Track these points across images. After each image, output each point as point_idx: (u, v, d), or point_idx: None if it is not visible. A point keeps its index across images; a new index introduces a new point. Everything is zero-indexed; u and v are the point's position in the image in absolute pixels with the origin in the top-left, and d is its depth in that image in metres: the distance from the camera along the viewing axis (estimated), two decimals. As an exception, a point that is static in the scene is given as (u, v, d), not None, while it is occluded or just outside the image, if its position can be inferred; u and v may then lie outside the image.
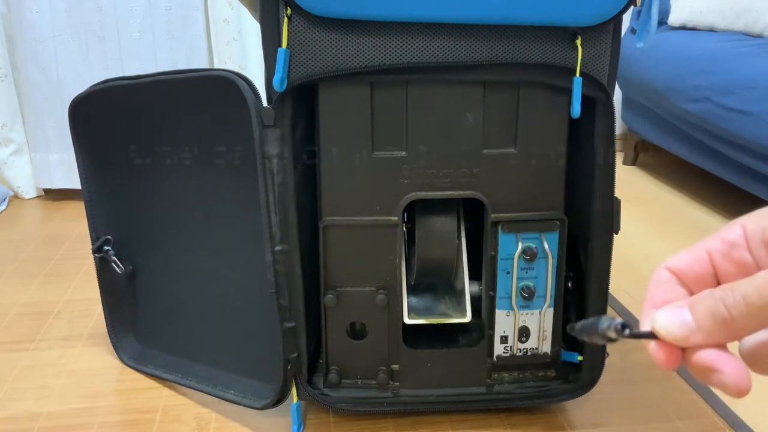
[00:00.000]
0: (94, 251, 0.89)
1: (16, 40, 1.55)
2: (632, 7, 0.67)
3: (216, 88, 0.72)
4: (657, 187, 1.74)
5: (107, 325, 0.94)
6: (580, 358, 0.80)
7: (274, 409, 0.79)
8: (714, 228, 1.44)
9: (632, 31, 1.88)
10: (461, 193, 0.73)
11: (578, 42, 0.68)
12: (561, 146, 0.73)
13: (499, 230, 0.74)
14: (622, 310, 1.08)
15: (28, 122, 1.62)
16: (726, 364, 0.26)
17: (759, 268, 0.28)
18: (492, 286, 0.76)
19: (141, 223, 0.89)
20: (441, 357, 0.79)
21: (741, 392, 0.26)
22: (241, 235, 0.80)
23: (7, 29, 1.56)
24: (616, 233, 0.75)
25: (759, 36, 1.57)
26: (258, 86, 0.70)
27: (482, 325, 0.79)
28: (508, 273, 0.75)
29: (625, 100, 1.92)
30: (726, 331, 0.26)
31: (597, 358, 0.79)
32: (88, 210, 0.89)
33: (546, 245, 0.75)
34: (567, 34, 0.68)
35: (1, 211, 1.60)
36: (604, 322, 0.28)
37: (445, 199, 0.74)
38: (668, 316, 0.27)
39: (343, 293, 0.76)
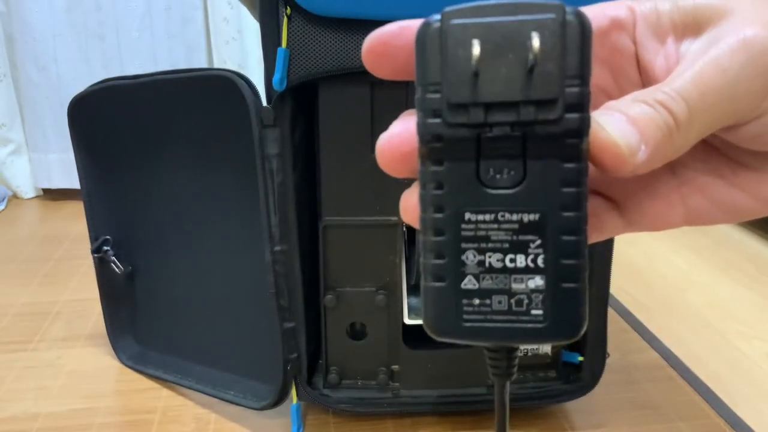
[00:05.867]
0: (93, 251, 0.89)
1: (15, 39, 1.54)
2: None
3: (215, 88, 0.72)
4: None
5: (106, 325, 0.94)
6: (580, 358, 0.79)
7: (273, 410, 0.78)
8: (716, 228, 1.44)
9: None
10: (462, 193, 0.73)
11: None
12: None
13: (500, 230, 0.74)
14: (622, 310, 1.07)
15: (27, 122, 1.62)
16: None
17: (638, 59, 0.24)
18: (492, 286, 0.76)
19: (140, 223, 0.88)
20: (441, 357, 0.79)
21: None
22: (241, 235, 0.79)
23: (6, 28, 1.55)
24: (617, 233, 0.75)
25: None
26: (257, 86, 0.70)
27: (483, 326, 0.79)
28: (508, 273, 0.75)
29: (626, 100, 1.92)
30: (671, 144, 0.21)
31: (598, 358, 0.78)
32: (87, 210, 0.89)
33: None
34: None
35: (0, 211, 1.60)
36: None
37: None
38: (617, 121, 0.21)
39: (343, 294, 0.76)
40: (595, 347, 0.78)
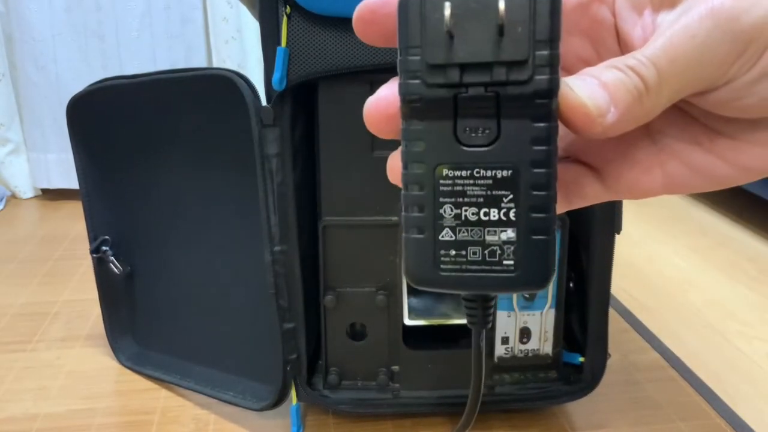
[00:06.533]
0: (92, 251, 0.89)
1: (14, 39, 1.54)
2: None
3: (215, 88, 0.72)
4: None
5: (105, 326, 0.94)
6: (581, 359, 0.79)
7: (273, 410, 0.78)
8: (716, 228, 1.44)
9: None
10: (462, 193, 0.73)
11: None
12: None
13: (500, 230, 0.74)
14: (623, 311, 1.07)
15: (25, 122, 1.62)
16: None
17: (618, 31, 0.25)
18: (493, 286, 0.76)
19: (139, 223, 0.88)
20: (441, 358, 0.79)
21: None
22: (240, 236, 0.79)
23: (5, 28, 1.55)
24: (618, 233, 0.74)
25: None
26: (257, 85, 0.70)
27: (483, 326, 0.79)
28: (509, 273, 0.75)
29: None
30: (641, 107, 0.22)
31: (598, 359, 0.78)
32: (85, 210, 0.89)
33: (547, 246, 0.74)
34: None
35: (-1, 211, 1.60)
36: None
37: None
38: (587, 85, 0.22)
39: (343, 294, 0.76)
40: (595, 348, 0.78)
